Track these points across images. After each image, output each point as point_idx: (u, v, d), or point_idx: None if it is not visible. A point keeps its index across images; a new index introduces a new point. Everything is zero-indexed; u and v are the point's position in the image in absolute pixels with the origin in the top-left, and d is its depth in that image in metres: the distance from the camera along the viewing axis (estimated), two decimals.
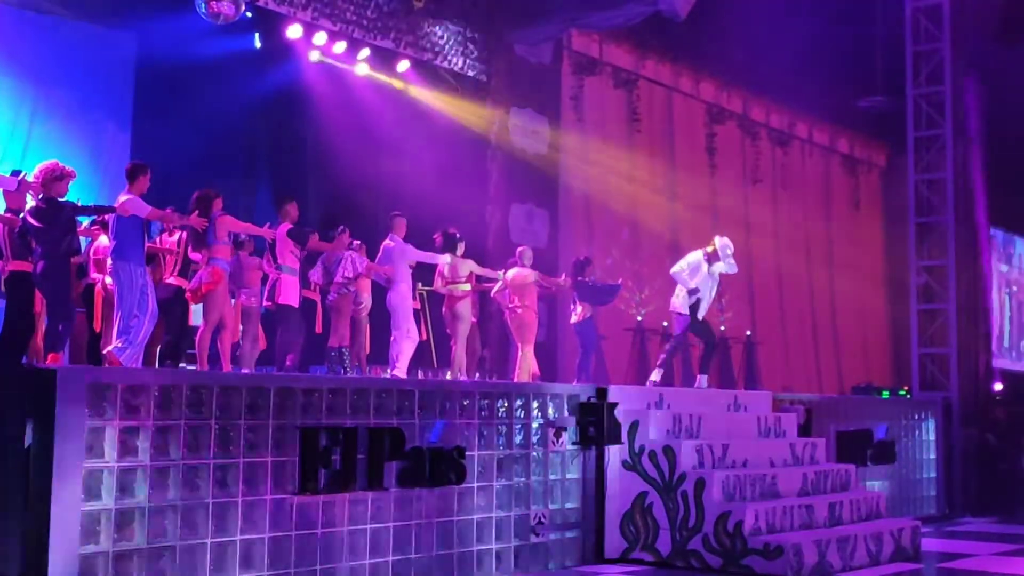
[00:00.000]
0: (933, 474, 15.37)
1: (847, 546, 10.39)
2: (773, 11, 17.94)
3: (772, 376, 21.24)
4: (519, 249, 13.88)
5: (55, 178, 9.45)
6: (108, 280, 10.33)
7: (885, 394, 17.50)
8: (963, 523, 14.79)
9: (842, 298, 24.65)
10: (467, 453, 9.24)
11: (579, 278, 13.88)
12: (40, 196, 9.51)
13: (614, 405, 10.45)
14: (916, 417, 15.31)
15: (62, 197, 9.52)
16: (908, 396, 17.01)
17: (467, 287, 13.00)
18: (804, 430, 12.64)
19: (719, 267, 13.04)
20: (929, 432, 15.42)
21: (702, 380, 13.15)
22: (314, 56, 15.72)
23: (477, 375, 13.77)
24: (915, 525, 11.56)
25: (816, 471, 11.59)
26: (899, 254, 20.04)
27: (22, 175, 10.14)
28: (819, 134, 24.17)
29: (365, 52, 15.87)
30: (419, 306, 13.46)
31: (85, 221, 10.88)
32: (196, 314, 11.00)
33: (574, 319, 14.02)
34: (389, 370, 12.04)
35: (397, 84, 16.56)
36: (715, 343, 14.05)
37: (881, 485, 13.76)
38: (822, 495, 11.35)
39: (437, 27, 16.18)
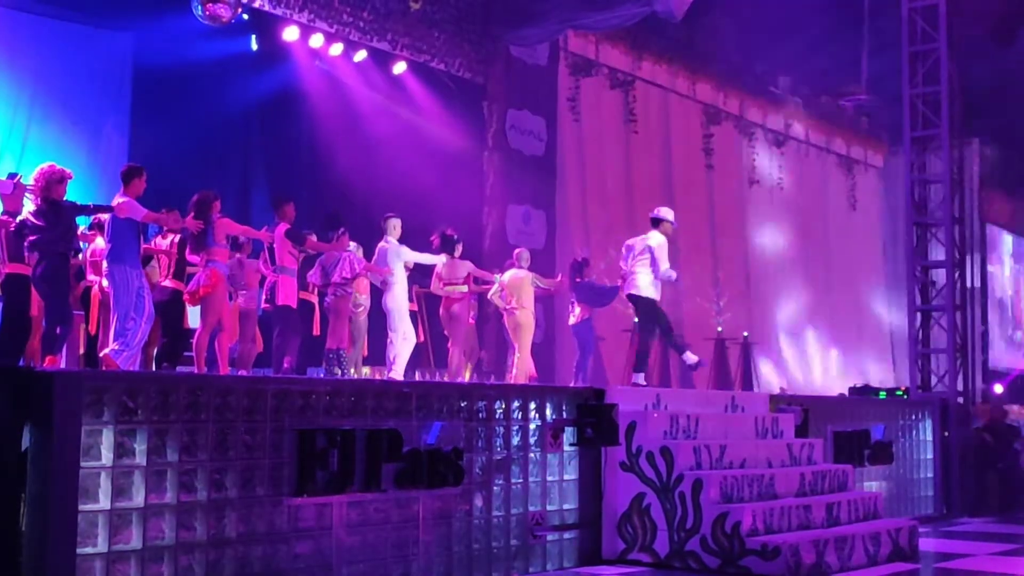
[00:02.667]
0: (930, 474, 15.38)
1: (845, 546, 10.39)
2: (769, 12, 17.96)
3: (769, 377, 21.26)
4: (516, 251, 13.89)
5: (56, 181, 9.47)
6: (104, 283, 10.34)
7: (882, 394, 17.50)
8: (960, 523, 14.80)
9: (839, 298, 24.67)
10: (465, 455, 9.24)
11: (577, 279, 13.89)
12: (40, 198, 9.51)
13: (612, 406, 10.44)
14: (913, 417, 15.31)
15: (62, 199, 9.53)
16: (905, 396, 17.01)
17: (464, 288, 13.00)
18: (801, 431, 12.63)
19: None
20: (926, 432, 15.43)
21: (639, 378, 12.39)
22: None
23: (475, 376, 13.77)
24: (913, 525, 11.56)
25: (813, 472, 11.59)
26: (896, 254, 20.06)
27: (18, 177, 10.15)
28: (816, 134, 24.20)
29: (362, 54, 15.89)
30: (416, 308, 13.47)
31: (83, 225, 10.88)
32: (192, 316, 10.99)
33: (572, 320, 14.03)
34: (386, 372, 12.04)
35: (393, 86, 16.58)
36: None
37: (878, 485, 13.76)
38: (820, 496, 11.35)
39: (433, 29, 16.18)
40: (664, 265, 12.07)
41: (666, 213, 12.40)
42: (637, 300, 12.25)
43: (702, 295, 20.83)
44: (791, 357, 22.94)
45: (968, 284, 17.27)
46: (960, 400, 16.29)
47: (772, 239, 23.08)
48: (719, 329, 20.23)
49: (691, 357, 12.31)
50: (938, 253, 16.77)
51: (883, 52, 18.47)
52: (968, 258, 17.50)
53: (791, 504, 10.63)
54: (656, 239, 12.11)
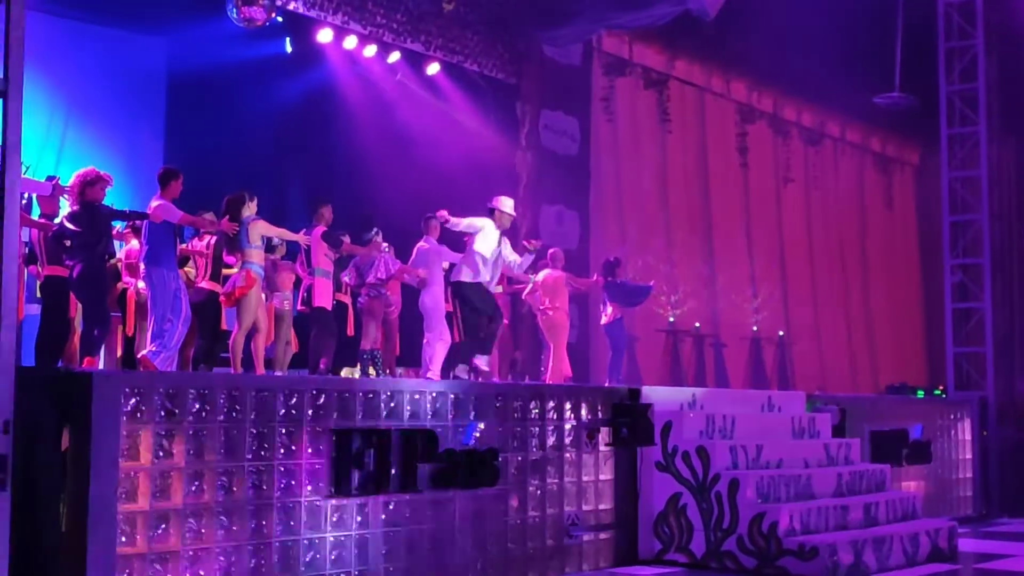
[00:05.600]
0: (969, 474, 15.26)
1: (883, 547, 10.32)
2: (804, 9, 17.84)
3: (806, 376, 21.13)
4: (550, 251, 13.86)
5: (89, 183, 9.54)
6: (141, 284, 10.40)
7: (920, 394, 17.38)
8: (1000, 523, 14.67)
9: (876, 297, 24.50)
10: (500, 455, 9.24)
11: (609, 279, 13.86)
12: (76, 201, 9.59)
13: (647, 406, 10.43)
14: (951, 417, 15.20)
15: (98, 202, 9.60)
16: (943, 396, 16.89)
17: (499, 289, 12.98)
18: (838, 430, 12.57)
19: (508, 247, 11.75)
20: (965, 432, 15.31)
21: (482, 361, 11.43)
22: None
23: (510, 377, 13.77)
24: (951, 525, 11.48)
25: (851, 471, 11.53)
26: (933, 252, 19.90)
27: (56, 180, 10.24)
28: (851, 132, 24.03)
29: (395, 55, 15.92)
30: (451, 308, 13.47)
31: (118, 225, 10.95)
32: (228, 317, 11.03)
33: (604, 320, 14.00)
34: (423, 372, 12.06)
35: (427, 87, 16.60)
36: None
37: (917, 486, 13.67)
38: (857, 496, 11.29)
39: (467, 30, 16.20)
40: (478, 256, 11.34)
41: (502, 203, 11.65)
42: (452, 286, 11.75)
43: (738, 294, 20.74)
44: (828, 356, 22.79)
45: (1006, 282, 17.12)
46: (999, 399, 16.15)
47: (808, 237, 22.94)
48: (755, 328, 20.14)
49: (472, 368, 11.37)
50: (976, 251, 16.64)
51: (919, 49, 18.34)
52: (1006, 256, 17.34)
53: (828, 504, 10.58)
54: (477, 224, 11.49)
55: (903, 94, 18.86)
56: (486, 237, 11.41)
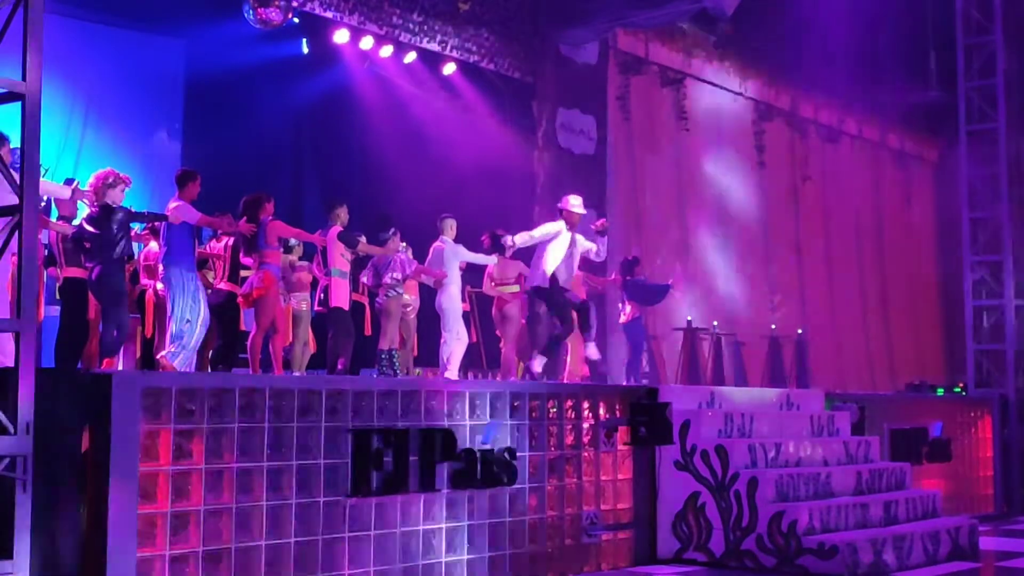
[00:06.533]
0: (990, 472, 15.19)
1: (903, 545, 10.28)
2: (820, 6, 17.80)
3: (824, 374, 21.05)
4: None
5: (108, 184, 9.57)
6: (159, 286, 10.44)
7: (940, 392, 17.31)
8: (1021, 521, 14.60)
9: (894, 295, 24.40)
10: (518, 454, 9.25)
11: (627, 278, 13.84)
12: (95, 203, 9.63)
13: (666, 405, 10.40)
14: (971, 415, 15.13)
15: (117, 204, 9.63)
16: (963, 393, 16.82)
17: (516, 288, 12.98)
18: (858, 428, 12.53)
19: (581, 239, 11.83)
20: (985, 430, 15.24)
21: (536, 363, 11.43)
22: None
23: (527, 376, 13.75)
24: (972, 523, 11.43)
25: (870, 470, 11.49)
26: (952, 249, 19.82)
27: (75, 183, 10.27)
28: (869, 130, 23.92)
29: (412, 55, 15.94)
30: (468, 308, 13.47)
31: (137, 227, 10.99)
32: (247, 318, 11.06)
33: (622, 319, 13.99)
34: (440, 372, 12.06)
35: (443, 87, 16.61)
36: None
37: (937, 484, 13.61)
38: (877, 494, 11.25)
39: (482, 29, 16.21)
40: (550, 259, 11.42)
41: (570, 203, 11.75)
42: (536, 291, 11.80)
43: (755, 292, 20.69)
44: (846, 354, 22.71)
45: None
46: (1020, 397, 16.08)
47: (825, 235, 22.86)
48: (773, 326, 20.07)
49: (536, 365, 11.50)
50: (996, 248, 16.57)
51: (937, 45, 18.31)
52: None
53: (848, 503, 10.55)
54: (552, 231, 11.60)
55: (925, 90, 18.85)
56: (559, 240, 11.53)
